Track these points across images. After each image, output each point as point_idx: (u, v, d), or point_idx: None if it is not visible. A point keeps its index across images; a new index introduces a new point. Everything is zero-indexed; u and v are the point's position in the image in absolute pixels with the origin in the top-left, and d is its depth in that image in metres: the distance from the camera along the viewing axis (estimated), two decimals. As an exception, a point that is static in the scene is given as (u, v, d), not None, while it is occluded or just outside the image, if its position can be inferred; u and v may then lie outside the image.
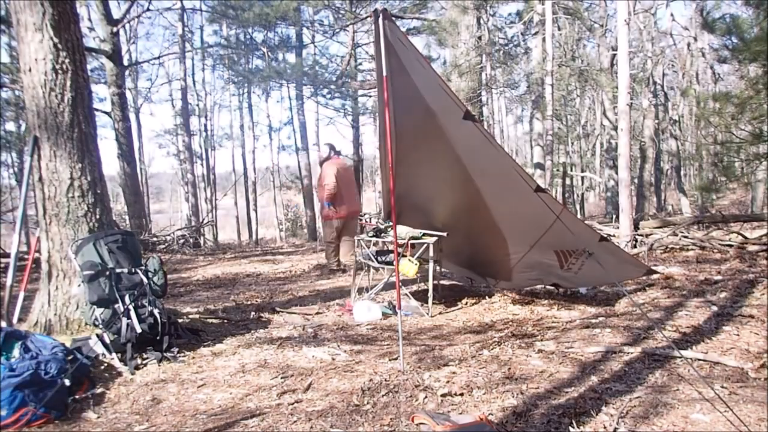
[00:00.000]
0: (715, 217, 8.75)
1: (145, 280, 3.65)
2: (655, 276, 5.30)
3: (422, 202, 5.07)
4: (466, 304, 5.05)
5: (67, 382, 2.74)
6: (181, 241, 12.58)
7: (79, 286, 3.58)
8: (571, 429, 2.33)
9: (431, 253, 4.84)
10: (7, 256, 8.00)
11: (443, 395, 2.74)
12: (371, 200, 28.02)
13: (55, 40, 3.61)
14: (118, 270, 3.58)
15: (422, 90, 3.98)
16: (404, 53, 3.69)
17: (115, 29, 11.92)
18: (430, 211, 5.14)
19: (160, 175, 37.54)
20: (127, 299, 3.47)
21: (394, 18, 3.66)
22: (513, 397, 2.69)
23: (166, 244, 12.03)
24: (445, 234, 4.84)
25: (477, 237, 5.01)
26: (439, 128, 4.16)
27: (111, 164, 26.29)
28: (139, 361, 3.38)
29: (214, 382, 3.11)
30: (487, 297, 5.22)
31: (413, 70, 3.83)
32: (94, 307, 3.45)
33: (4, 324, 3.43)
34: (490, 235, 4.74)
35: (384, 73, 3.50)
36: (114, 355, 3.35)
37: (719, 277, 5.17)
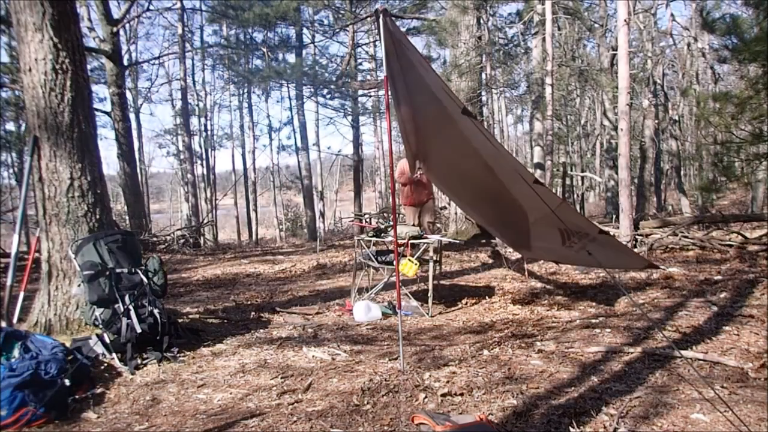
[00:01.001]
0: (715, 217, 8.75)
1: (145, 280, 3.65)
2: (655, 276, 5.30)
3: (454, 172, 5.17)
4: (466, 304, 5.06)
5: (67, 382, 2.74)
6: (181, 241, 12.57)
7: (79, 286, 3.58)
8: (571, 429, 2.33)
9: (431, 253, 4.84)
10: (7, 256, 8.00)
11: (443, 395, 2.74)
12: (371, 200, 28.05)
13: (55, 40, 3.61)
14: (118, 270, 3.58)
15: (430, 83, 4.03)
16: (410, 49, 3.74)
17: (115, 29, 11.92)
18: (463, 182, 5.23)
19: (160, 175, 37.56)
20: (127, 299, 3.47)
21: (394, 18, 3.69)
22: (513, 397, 2.69)
23: (166, 244, 12.02)
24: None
25: (499, 204, 5.08)
26: (450, 118, 4.21)
27: (111, 164, 26.32)
28: (139, 361, 3.38)
29: (214, 382, 3.11)
30: (487, 297, 5.22)
31: (420, 65, 3.88)
32: (94, 307, 3.45)
33: (4, 324, 3.43)
34: (509, 202, 4.81)
35: (389, 72, 3.52)
36: (114, 355, 3.35)
37: (719, 277, 5.18)
